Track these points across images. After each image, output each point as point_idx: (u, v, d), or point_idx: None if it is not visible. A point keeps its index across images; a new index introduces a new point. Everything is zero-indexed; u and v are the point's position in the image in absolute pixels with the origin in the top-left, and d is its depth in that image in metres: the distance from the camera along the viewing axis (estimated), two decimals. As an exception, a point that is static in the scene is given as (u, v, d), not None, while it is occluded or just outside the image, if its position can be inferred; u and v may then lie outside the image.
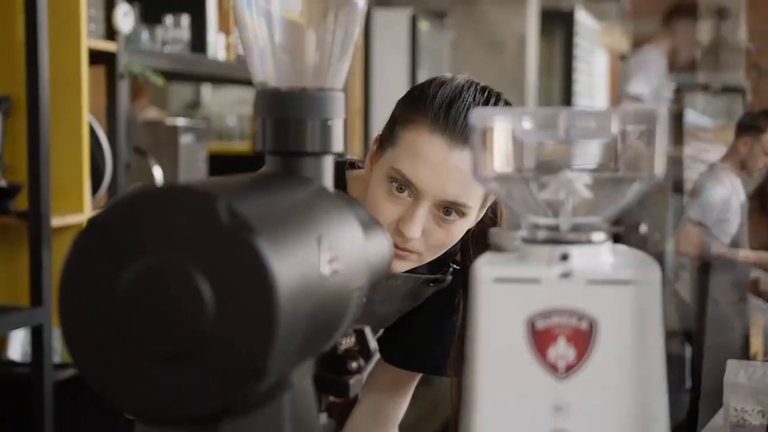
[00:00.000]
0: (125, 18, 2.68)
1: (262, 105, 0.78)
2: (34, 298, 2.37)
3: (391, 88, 4.46)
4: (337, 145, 0.79)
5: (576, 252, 0.68)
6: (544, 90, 7.14)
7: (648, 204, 4.39)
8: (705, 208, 4.31)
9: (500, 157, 0.70)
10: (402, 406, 1.53)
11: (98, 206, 2.68)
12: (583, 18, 7.50)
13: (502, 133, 0.70)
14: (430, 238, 1.28)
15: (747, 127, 4.44)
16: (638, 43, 10.03)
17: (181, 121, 3.24)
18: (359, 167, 1.43)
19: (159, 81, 2.80)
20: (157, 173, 2.98)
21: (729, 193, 4.39)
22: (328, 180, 0.79)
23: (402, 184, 1.26)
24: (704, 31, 4.65)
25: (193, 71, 3.27)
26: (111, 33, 2.69)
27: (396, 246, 1.27)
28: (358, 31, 0.81)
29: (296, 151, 0.77)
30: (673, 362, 4.74)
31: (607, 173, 0.69)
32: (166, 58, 3.03)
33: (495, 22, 5.45)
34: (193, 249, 0.60)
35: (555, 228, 0.70)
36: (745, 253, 4.47)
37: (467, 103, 1.26)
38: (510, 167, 0.71)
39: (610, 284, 0.66)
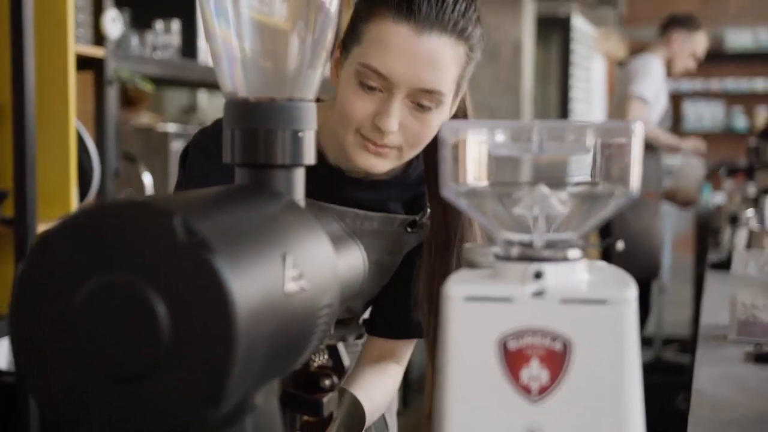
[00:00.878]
0: (114, 23, 2.66)
1: (231, 116, 0.76)
2: (20, 307, 2.34)
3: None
4: (309, 157, 0.77)
5: (550, 270, 0.66)
6: (540, 96, 7.12)
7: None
8: (648, 84, 4.41)
9: (472, 171, 0.68)
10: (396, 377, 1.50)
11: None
12: (579, 24, 7.48)
13: (474, 146, 0.67)
14: (408, 132, 1.26)
15: (680, 23, 4.56)
16: (635, 49, 10.04)
17: (172, 127, 3.21)
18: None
19: (148, 87, 2.77)
20: (147, 180, 2.95)
21: (662, 77, 4.51)
22: (299, 192, 0.77)
23: (372, 79, 1.23)
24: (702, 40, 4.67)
25: (183, 77, 3.24)
26: (100, 38, 2.67)
27: (374, 143, 1.26)
28: (330, 38, 0.78)
29: (266, 163, 0.75)
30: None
31: (582, 189, 0.66)
32: (155, 64, 3.00)
33: (491, 28, 5.43)
34: (149, 267, 0.58)
35: (529, 244, 0.68)
36: (672, 139, 4.60)
37: None
38: (482, 181, 0.68)
39: (585, 304, 0.64)
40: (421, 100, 1.24)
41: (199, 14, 0.78)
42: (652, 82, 4.47)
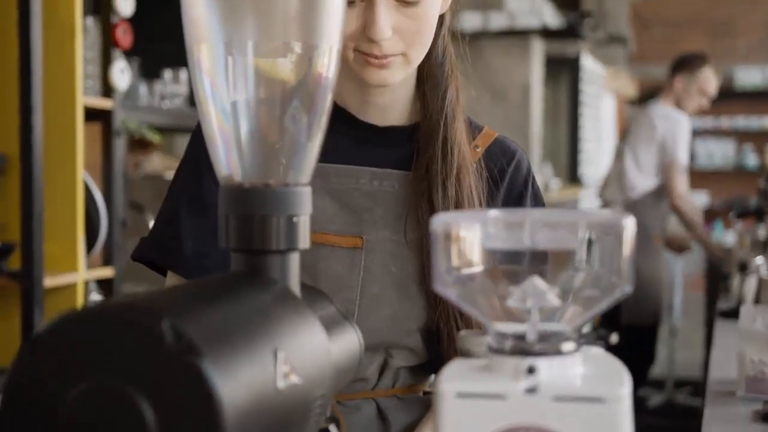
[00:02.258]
0: (122, 75, 2.67)
1: (226, 201, 0.76)
2: (25, 360, 2.33)
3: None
4: (304, 241, 0.77)
5: (543, 364, 0.65)
6: (550, 137, 7.13)
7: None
8: (686, 147, 4.43)
9: (463, 263, 0.67)
10: None
11: (93, 265, 2.66)
12: (589, 63, 7.50)
13: (465, 238, 0.67)
14: (404, 33, 1.18)
15: (682, 65, 4.57)
16: (645, 87, 10.06)
17: (180, 175, 3.22)
18: None
19: (155, 138, 2.79)
20: (154, 229, 2.95)
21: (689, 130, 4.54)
22: (294, 277, 0.76)
23: None
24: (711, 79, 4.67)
25: (192, 125, 3.26)
26: (108, 90, 2.69)
27: (375, 56, 1.18)
28: (324, 121, 0.78)
29: (260, 249, 0.75)
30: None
31: (574, 286, 0.66)
32: (163, 114, 3.02)
33: (498, 70, 5.45)
34: (137, 371, 0.57)
35: (522, 337, 0.67)
36: (704, 232, 4.61)
37: None
38: (473, 273, 0.68)
39: (579, 401, 0.63)
40: None
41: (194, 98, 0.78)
42: (687, 143, 4.51)
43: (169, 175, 3.32)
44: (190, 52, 0.77)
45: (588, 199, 7.05)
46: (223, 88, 0.76)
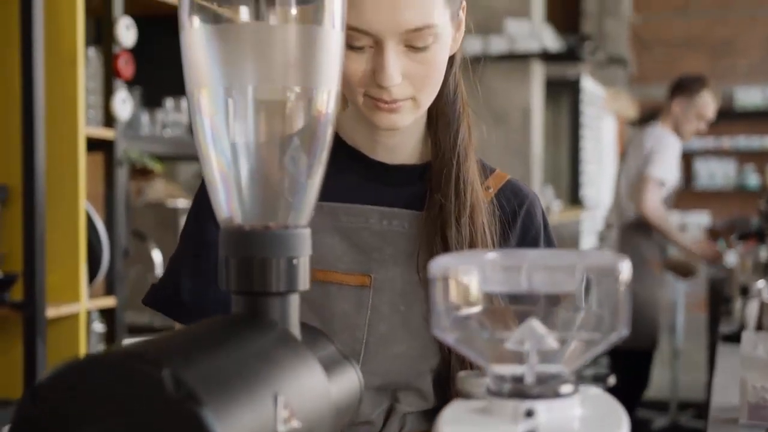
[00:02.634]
0: (123, 105, 2.69)
1: (226, 243, 0.76)
2: (28, 391, 2.34)
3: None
4: (304, 283, 0.77)
5: (542, 407, 0.65)
6: (551, 158, 7.15)
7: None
8: (666, 164, 4.40)
9: (461, 305, 0.68)
10: None
11: (95, 294, 2.67)
12: (589, 85, 7.53)
13: (463, 282, 0.68)
14: (414, 78, 1.17)
15: (680, 88, 4.55)
16: (646, 108, 10.09)
17: (182, 203, 3.24)
18: None
19: (157, 167, 2.80)
20: (157, 257, 2.97)
21: (678, 152, 4.52)
22: (294, 319, 0.77)
23: (356, 39, 1.14)
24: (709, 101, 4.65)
25: (193, 153, 3.28)
26: (110, 120, 2.70)
27: (384, 101, 1.18)
28: (323, 162, 0.79)
29: (261, 291, 0.75)
30: None
31: (572, 328, 0.67)
32: (165, 142, 3.03)
33: (500, 93, 5.47)
34: (138, 420, 0.58)
35: (520, 379, 0.68)
36: (683, 239, 4.59)
37: None
38: (472, 316, 0.69)
39: (577, 444, 0.64)
40: (414, 42, 1.15)
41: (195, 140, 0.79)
42: (670, 162, 4.48)
43: (172, 202, 3.34)
44: (190, 95, 0.78)
45: (589, 220, 7.06)
46: (222, 131, 0.77)
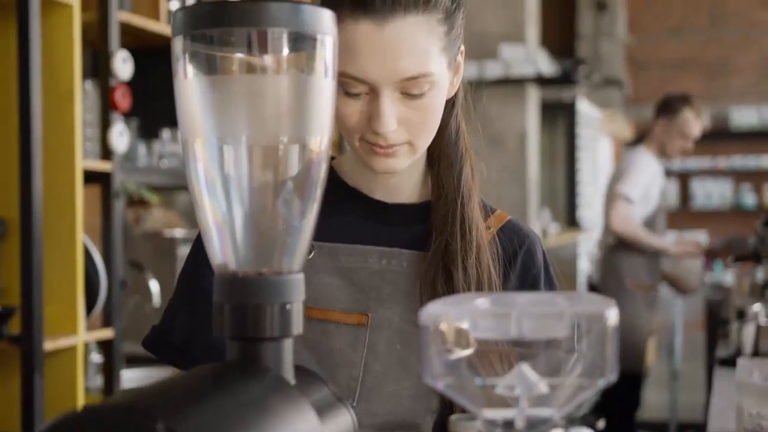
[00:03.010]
0: (120, 137, 2.70)
1: (220, 290, 0.77)
2: (26, 425, 2.35)
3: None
4: (297, 328, 0.78)
5: (532, 452, 0.66)
6: (547, 180, 7.16)
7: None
8: (635, 182, 4.41)
9: (452, 352, 0.69)
10: None
11: (93, 326, 2.68)
12: (584, 108, 7.55)
13: (455, 329, 0.69)
14: (410, 124, 1.18)
15: (662, 108, 4.57)
16: (641, 129, 10.13)
17: (179, 233, 3.25)
18: None
19: (153, 199, 2.81)
20: (154, 287, 2.97)
21: (654, 171, 4.51)
22: (287, 363, 0.78)
23: (352, 86, 1.15)
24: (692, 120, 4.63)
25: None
26: (107, 152, 2.72)
27: (380, 146, 1.18)
28: (314, 213, 0.80)
29: (254, 337, 0.76)
30: None
31: (561, 373, 0.68)
32: (162, 173, 3.05)
33: (496, 117, 5.49)
34: (134, 472, 0.59)
35: (511, 423, 0.69)
36: (659, 241, 4.56)
37: None
38: (463, 361, 0.70)
39: (566, 490, 0.65)
40: (410, 89, 1.16)
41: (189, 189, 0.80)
42: (640, 180, 4.47)
43: (169, 232, 3.35)
44: (184, 143, 0.79)
45: (587, 242, 7.07)
46: (216, 178, 0.78)
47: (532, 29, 5.65)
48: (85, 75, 2.74)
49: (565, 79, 5.91)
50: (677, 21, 10.43)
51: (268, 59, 0.85)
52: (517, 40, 5.44)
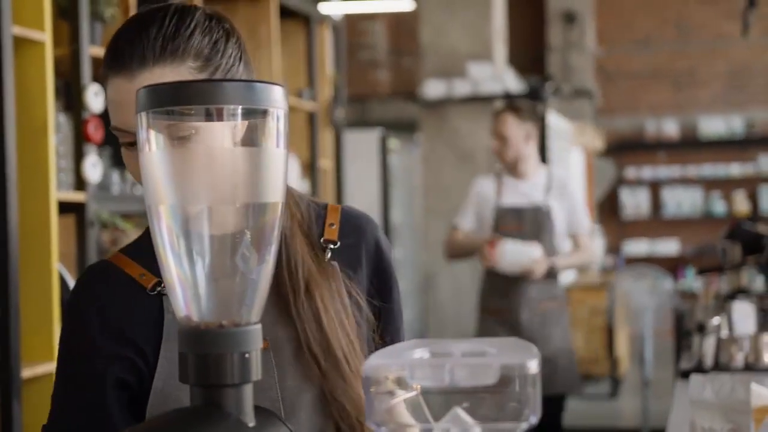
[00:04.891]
0: (94, 168, 2.77)
1: (184, 340, 0.85)
2: (5, 453, 2.41)
3: (364, 206, 4.54)
4: (256, 374, 0.86)
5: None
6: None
7: None
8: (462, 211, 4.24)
9: (392, 400, 0.77)
10: None
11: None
12: (554, 120, 7.65)
13: (394, 379, 0.76)
14: None
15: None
16: (612, 140, 10.26)
17: (153, 257, 3.30)
18: None
19: (127, 227, 2.88)
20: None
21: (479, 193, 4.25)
22: (248, 407, 0.86)
23: (124, 137, 1.21)
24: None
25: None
26: (80, 182, 2.78)
27: None
28: (270, 269, 0.88)
29: (216, 384, 0.84)
30: None
31: (491, 416, 0.75)
32: (135, 200, 3.11)
33: (465, 133, 5.58)
34: None
35: (447, 463, 0.76)
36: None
37: (127, 29, 1.22)
38: (401, 407, 0.77)
39: None
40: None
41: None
42: (469, 211, 4.25)
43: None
44: (149, 209, 0.87)
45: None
46: (179, 239, 0.86)
47: (500, 47, 5.76)
48: (59, 109, 2.81)
49: (533, 95, 6.01)
50: (645, 32, 10.58)
51: (224, 132, 0.93)
52: (485, 59, 5.54)
